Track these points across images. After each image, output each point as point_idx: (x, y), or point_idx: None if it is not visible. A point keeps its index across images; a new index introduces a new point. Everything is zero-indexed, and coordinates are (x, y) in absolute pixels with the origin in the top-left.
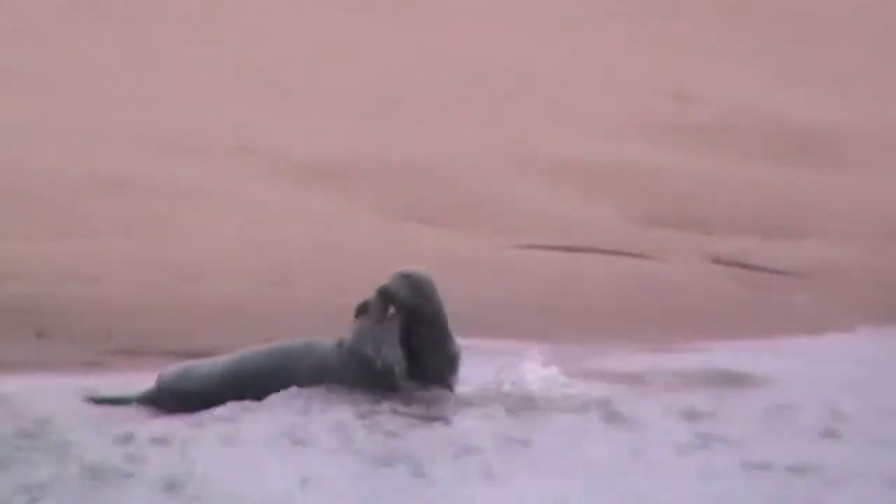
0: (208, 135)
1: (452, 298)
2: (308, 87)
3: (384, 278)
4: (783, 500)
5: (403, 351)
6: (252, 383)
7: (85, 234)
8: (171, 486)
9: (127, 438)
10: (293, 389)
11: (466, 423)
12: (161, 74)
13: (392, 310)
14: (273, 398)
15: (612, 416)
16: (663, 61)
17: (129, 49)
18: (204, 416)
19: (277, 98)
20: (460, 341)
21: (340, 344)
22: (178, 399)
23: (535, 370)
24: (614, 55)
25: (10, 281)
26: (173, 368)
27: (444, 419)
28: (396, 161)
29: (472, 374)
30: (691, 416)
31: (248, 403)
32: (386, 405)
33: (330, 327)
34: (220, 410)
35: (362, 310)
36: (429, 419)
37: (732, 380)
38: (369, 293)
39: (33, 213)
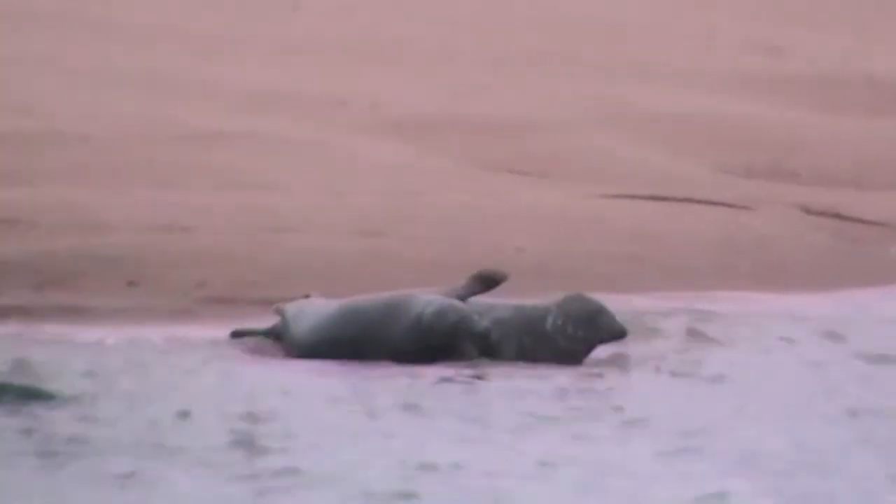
0: (299, 87)
1: (543, 250)
2: (399, 40)
3: (474, 230)
4: None
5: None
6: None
7: (176, 184)
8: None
9: None
10: None
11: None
12: (250, 26)
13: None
14: None
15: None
16: (755, 14)
17: (218, 1)
18: None
19: (369, 50)
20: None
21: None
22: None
23: None
24: (705, 8)
25: (102, 231)
26: (294, 304)
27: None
28: (486, 114)
29: None
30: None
31: None
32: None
33: (420, 279)
34: None
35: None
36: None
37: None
38: (459, 246)
39: (124, 164)
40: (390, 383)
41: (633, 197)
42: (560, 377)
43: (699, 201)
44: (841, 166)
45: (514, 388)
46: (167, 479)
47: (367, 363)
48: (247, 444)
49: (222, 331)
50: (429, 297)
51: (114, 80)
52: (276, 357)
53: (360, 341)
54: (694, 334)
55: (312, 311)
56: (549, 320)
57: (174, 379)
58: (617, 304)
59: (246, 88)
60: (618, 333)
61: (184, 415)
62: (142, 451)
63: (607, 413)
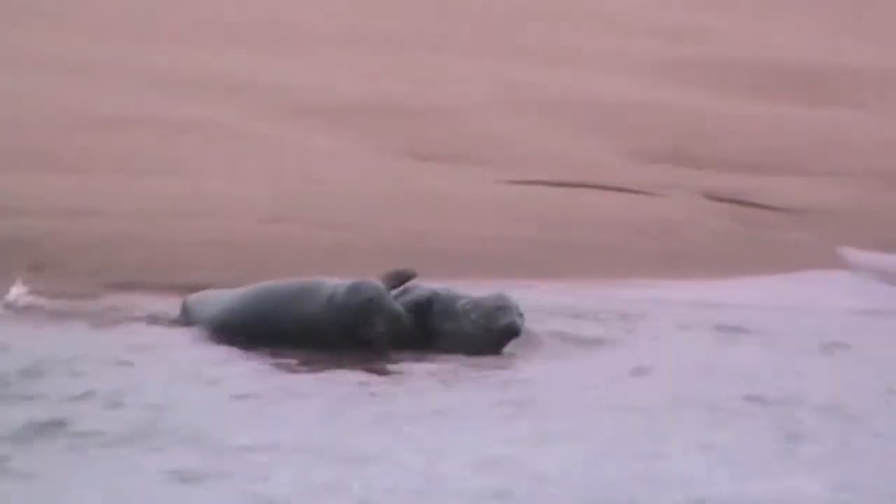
0: (207, 71)
1: (447, 234)
2: (304, 24)
3: (378, 215)
4: None
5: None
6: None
7: (82, 168)
8: None
9: None
10: None
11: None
12: (162, 10)
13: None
14: None
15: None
16: (657, 1)
17: None
18: None
19: (275, 34)
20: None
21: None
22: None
23: None
24: None
25: (8, 214)
26: (196, 295)
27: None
28: (393, 99)
29: None
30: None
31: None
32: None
33: (327, 265)
34: None
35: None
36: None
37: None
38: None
39: (30, 148)
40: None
41: (538, 182)
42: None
43: (603, 187)
44: (743, 152)
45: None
46: None
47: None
48: None
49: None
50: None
51: (20, 64)
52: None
53: (272, 320)
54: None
55: (221, 293)
56: (460, 303)
57: None
58: (519, 291)
59: (153, 73)
60: (507, 330)
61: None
62: None
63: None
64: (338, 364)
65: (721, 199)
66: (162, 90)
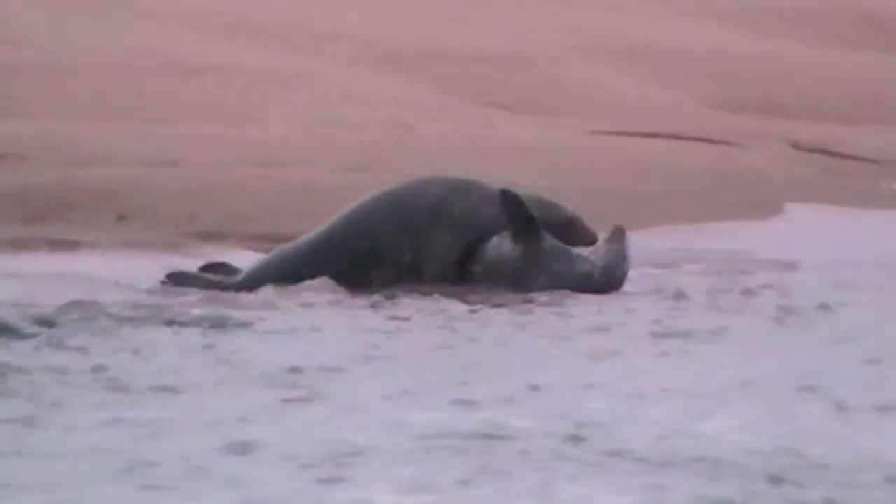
0: (292, 20)
1: (531, 185)
2: None
3: (462, 164)
4: None
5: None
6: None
7: (166, 118)
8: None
9: None
10: None
11: None
12: None
13: None
14: None
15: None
16: None
17: None
18: None
19: None
20: None
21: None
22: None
23: None
24: None
25: (91, 164)
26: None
27: None
28: (474, 47)
29: None
30: None
31: None
32: None
33: None
34: None
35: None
36: None
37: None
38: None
39: (112, 97)
40: None
41: (624, 133)
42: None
43: (690, 137)
44: (832, 101)
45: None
46: None
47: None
48: None
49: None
50: None
51: (101, 11)
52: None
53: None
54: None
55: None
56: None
57: None
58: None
59: (234, 20)
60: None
61: None
62: None
63: None
64: None
65: (809, 149)
66: (247, 38)
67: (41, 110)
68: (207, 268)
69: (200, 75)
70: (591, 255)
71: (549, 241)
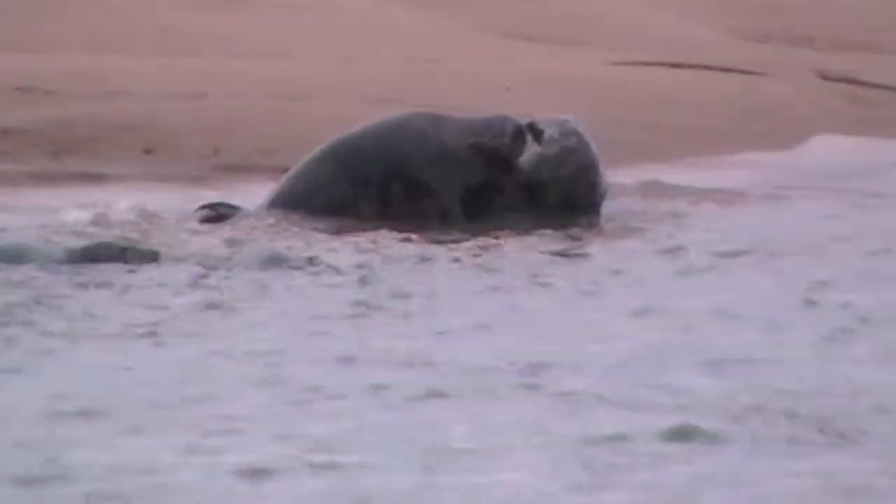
0: None
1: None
2: None
3: (488, 96)
4: None
5: None
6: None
7: (189, 51)
8: None
9: None
10: None
11: None
12: None
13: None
14: None
15: None
16: None
17: None
18: None
19: None
20: None
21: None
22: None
23: None
24: None
25: (118, 98)
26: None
27: None
28: None
29: None
30: None
31: None
32: None
33: None
34: None
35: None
36: None
37: None
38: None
39: (135, 30)
40: None
41: (648, 63)
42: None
43: (714, 68)
44: (857, 31)
45: None
46: None
47: None
48: None
49: (238, 199)
50: None
51: None
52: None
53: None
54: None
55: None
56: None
57: None
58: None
59: None
60: None
61: None
62: None
63: None
64: None
65: (835, 79)
66: None
67: (65, 44)
68: (205, 207)
69: (226, 9)
70: None
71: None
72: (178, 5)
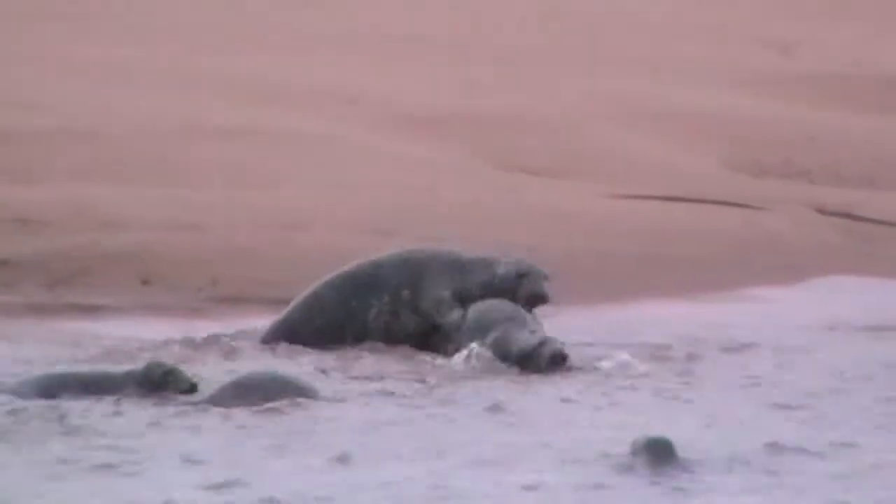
0: (310, 82)
1: (554, 248)
2: (411, 36)
3: (485, 228)
4: None
5: None
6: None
7: (188, 182)
8: None
9: None
10: None
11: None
12: (261, 22)
13: None
14: None
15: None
16: (767, 10)
17: None
18: None
19: (380, 46)
20: None
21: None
22: None
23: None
24: (717, 4)
25: (116, 228)
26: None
27: None
28: (498, 111)
29: None
30: None
31: None
32: None
33: None
34: None
35: None
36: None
37: None
38: (471, 244)
39: (134, 161)
40: None
41: (647, 197)
42: None
43: (712, 201)
44: (853, 165)
45: None
46: None
47: None
48: None
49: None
50: None
51: (122, 75)
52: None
53: None
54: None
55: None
56: None
57: None
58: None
59: (256, 84)
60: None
61: None
62: None
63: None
64: None
65: (832, 213)
66: (269, 102)
67: (63, 175)
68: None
69: (222, 139)
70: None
71: None
72: (174, 136)
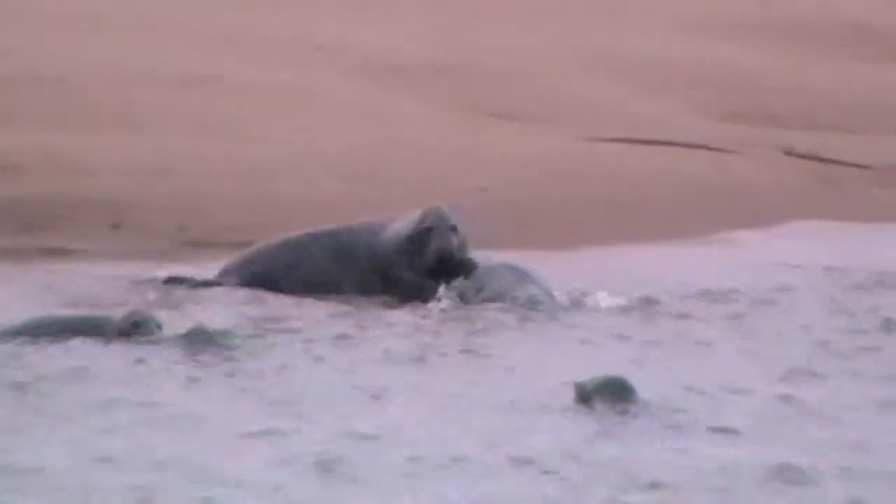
0: (277, 31)
1: (527, 195)
2: None
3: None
4: None
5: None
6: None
7: (155, 129)
8: None
9: None
10: None
11: None
12: None
13: None
14: None
15: None
16: None
17: None
18: None
19: None
20: None
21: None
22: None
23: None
24: None
25: (86, 175)
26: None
27: None
28: (472, 60)
29: None
30: None
31: None
32: None
33: None
34: None
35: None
36: None
37: None
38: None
39: (102, 108)
40: None
41: (615, 140)
42: None
43: (681, 144)
44: (824, 110)
45: None
46: None
47: None
48: None
49: (204, 273)
50: None
51: (90, 23)
52: None
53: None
54: None
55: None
56: None
57: None
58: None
59: (224, 32)
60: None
61: None
62: None
63: None
64: None
65: (801, 156)
66: (235, 50)
67: (30, 122)
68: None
69: (189, 87)
70: None
71: None
72: (143, 83)
